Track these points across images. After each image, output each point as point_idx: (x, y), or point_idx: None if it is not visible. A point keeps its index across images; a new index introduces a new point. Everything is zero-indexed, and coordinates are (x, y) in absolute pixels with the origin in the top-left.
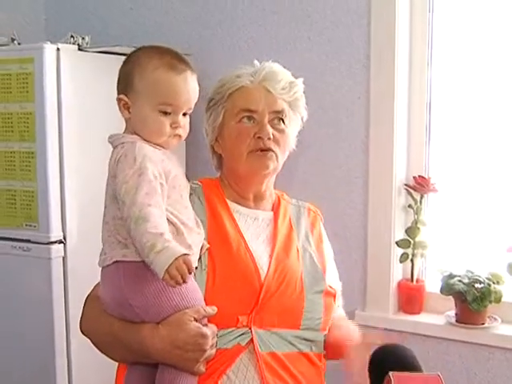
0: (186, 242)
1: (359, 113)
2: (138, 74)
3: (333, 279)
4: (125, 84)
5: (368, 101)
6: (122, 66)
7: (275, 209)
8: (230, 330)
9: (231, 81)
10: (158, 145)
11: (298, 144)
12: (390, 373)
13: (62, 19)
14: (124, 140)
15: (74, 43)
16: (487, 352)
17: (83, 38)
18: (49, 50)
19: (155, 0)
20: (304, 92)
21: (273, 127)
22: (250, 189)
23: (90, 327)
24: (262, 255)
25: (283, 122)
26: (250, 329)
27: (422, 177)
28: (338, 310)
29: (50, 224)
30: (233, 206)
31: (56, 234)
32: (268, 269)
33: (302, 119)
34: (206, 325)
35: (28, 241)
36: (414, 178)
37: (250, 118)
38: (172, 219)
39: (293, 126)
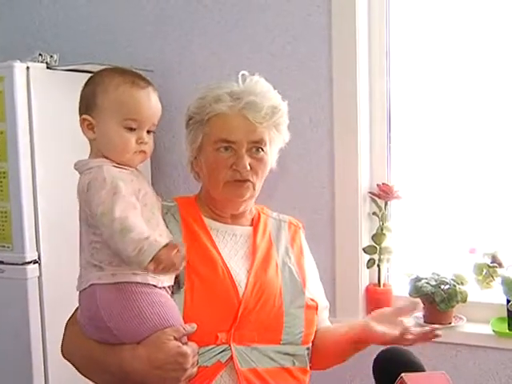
0: None
1: (324, 124)
2: (101, 92)
3: (317, 293)
4: (87, 104)
5: (331, 112)
6: (83, 88)
7: (254, 224)
8: (209, 347)
9: (210, 105)
10: (123, 164)
11: None
12: (403, 374)
13: (20, 39)
14: (90, 165)
15: (42, 61)
16: (454, 350)
17: (51, 57)
18: (18, 68)
19: (118, 18)
20: None
21: (251, 156)
22: (227, 211)
23: (70, 351)
24: (239, 272)
25: (262, 149)
26: (230, 345)
27: (386, 184)
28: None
29: (25, 244)
30: (209, 222)
31: (31, 254)
32: (246, 285)
33: (283, 139)
34: (185, 343)
35: (1, 262)
36: (377, 185)
37: (227, 148)
38: None
39: (274, 146)
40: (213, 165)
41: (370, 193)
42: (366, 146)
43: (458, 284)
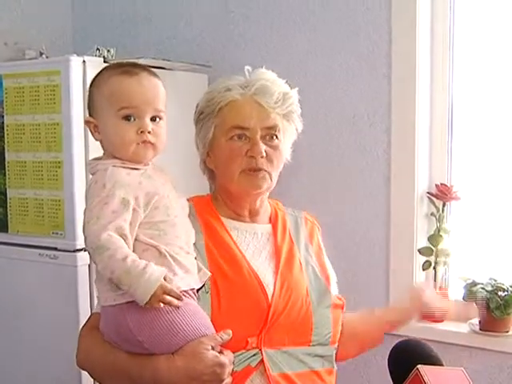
0: (171, 264)
1: (381, 121)
2: (96, 89)
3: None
4: (89, 106)
5: (389, 109)
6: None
7: (273, 221)
8: (239, 352)
9: (221, 94)
10: (133, 161)
11: (320, 153)
12: (419, 366)
13: (90, 34)
14: (99, 167)
15: (99, 56)
16: (511, 360)
17: (108, 51)
18: (75, 62)
19: (177, 12)
20: (323, 101)
21: (265, 144)
22: (244, 206)
23: (90, 360)
24: (266, 273)
25: (276, 137)
26: (261, 350)
27: (445, 185)
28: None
29: (76, 232)
30: (228, 222)
31: (81, 241)
32: (274, 287)
33: (296, 130)
34: (221, 352)
35: (55, 248)
36: (436, 185)
37: (241, 135)
38: (151, 242)
39: (287, 137)
40: (227, 154)
41: (427, 193)
42: (425, 145)
43: None
